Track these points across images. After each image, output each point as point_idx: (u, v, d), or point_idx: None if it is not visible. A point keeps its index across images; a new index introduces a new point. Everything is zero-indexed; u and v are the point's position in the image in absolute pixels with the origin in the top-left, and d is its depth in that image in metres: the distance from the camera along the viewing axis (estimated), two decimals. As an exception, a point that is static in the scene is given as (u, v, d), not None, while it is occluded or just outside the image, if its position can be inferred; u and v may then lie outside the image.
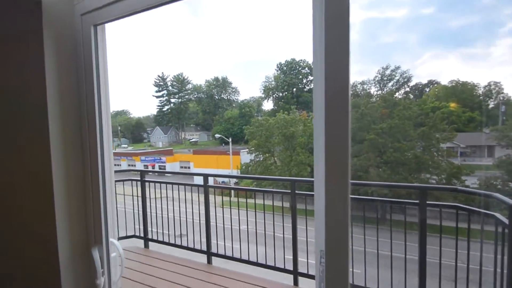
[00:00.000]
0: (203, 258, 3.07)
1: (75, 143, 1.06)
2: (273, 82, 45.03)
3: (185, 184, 3.27)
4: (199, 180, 3.21)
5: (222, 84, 53.50)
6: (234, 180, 18.20)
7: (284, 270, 2.67)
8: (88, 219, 1.09)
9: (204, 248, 3.04)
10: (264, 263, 2.77)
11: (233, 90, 55.42)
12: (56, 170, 0.98)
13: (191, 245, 3.16)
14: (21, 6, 0.98)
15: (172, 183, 3.38)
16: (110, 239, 1.12)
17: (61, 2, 0.99)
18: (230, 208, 3.12)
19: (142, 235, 3.43)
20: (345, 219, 0.63)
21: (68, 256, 1.02)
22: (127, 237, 3.60)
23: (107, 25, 1.03)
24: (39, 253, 1.05)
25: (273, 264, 2.74)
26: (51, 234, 0.98)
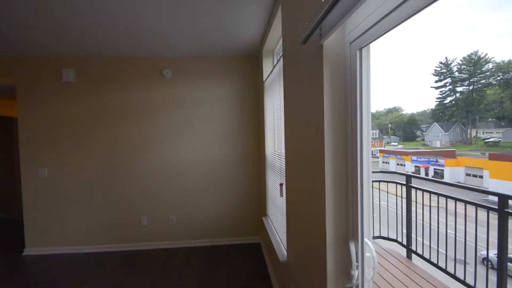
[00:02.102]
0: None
1: (341, 145, 1.28)
2: None
3: (464, 201, 2.56)
4: (494, 197, 2.33)
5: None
6: None
7: None
8: (348, 216, 1.28)
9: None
10: None
11: None
12: (327, 171, 1.27)
13: (469, 280, 2.44)
14: (312, 48, 1.37)
15: (446, 196, 2.80)
16: (365, 239, 1.23)
17: (335, 39, 1.24)
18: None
19: (405, 243, 3.25)
20: None
21: (331, 241, 1.28)
22: (389, 238, 3.60)
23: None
24: (317, 235, 1.42)
25: None
26: (322, 223, 1.30)
